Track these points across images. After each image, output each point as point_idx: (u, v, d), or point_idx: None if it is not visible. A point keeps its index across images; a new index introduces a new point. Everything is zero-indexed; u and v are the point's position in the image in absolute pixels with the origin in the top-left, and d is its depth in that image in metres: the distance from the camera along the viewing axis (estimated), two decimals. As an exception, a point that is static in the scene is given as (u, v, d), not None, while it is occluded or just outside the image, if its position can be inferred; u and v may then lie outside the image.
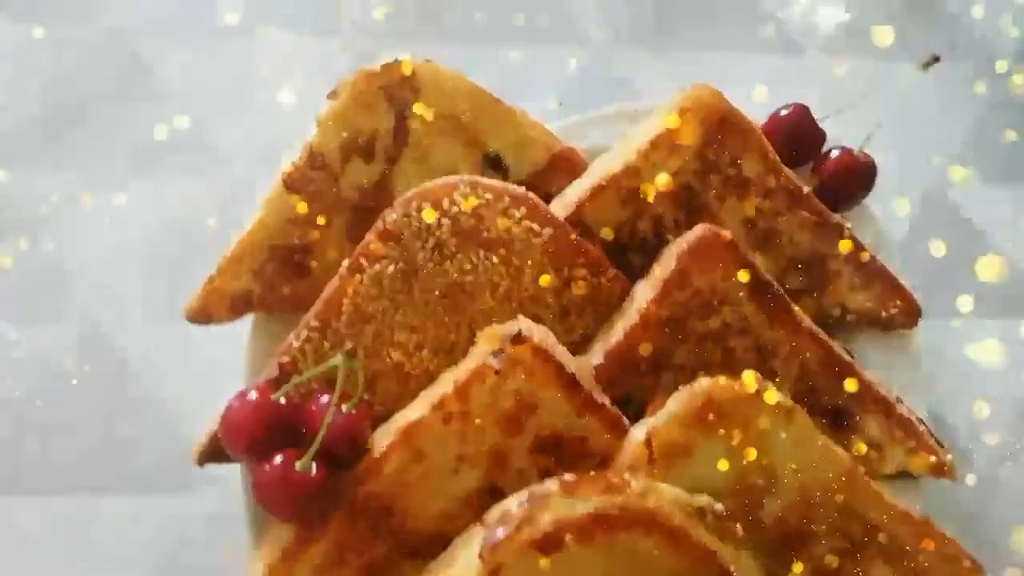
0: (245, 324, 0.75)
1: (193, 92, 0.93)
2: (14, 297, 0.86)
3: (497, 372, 0.66)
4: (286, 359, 0.70)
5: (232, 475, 0.73)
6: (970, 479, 0.85)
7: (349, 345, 0.62)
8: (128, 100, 0.94)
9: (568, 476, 0.64)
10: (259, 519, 0.70)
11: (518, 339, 0.66)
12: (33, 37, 0.95)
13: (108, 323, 0.85)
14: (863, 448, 0.76)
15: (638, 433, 0.69)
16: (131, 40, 0.96)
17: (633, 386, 0.74)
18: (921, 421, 0.77)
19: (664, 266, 0.74)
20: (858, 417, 0.76)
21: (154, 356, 0.82)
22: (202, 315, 0.72)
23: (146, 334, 0.83)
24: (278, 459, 0.63)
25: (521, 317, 0.69)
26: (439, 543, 0.68)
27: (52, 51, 0.94)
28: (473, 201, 0.72)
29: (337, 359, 0.62)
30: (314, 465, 0.64)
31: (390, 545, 0.68)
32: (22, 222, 0.89)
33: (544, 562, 0.62)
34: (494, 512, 0.64)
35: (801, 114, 0.82)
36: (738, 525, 0.68)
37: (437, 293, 0.72)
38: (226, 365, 0.75)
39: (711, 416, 0.68)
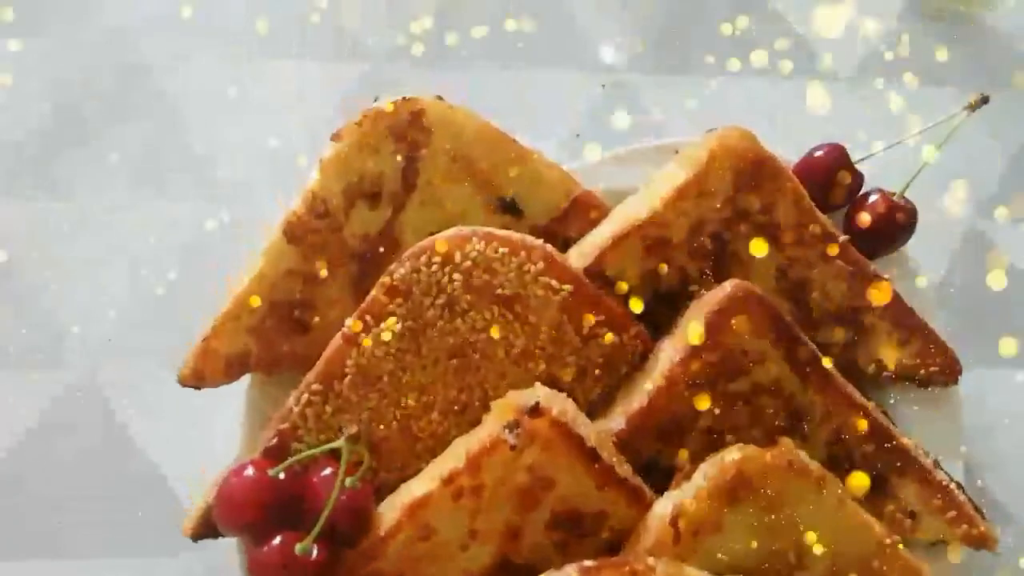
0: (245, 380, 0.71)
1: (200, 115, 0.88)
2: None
3: (513, 447, 0.62)
4: (285, 425, 0.66)
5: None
6: (1008, 538, 0.80)
7: (353, 429, 0.58)
8: (130, 119, 0.89)
9: (588, 563, 0.60)
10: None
11: (535, 412, 0.62)
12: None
13: (102, 374, 0.81)
14: (897, 516, 0.71)
15: (663, 508, 0.64)
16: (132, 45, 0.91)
17: (657, 450, 0.69)
18: (960, 487, 0.73)
19: (691, 324, 0.69)
20: (894, 483, 0.72)
21: (149, 412, 0.77)
22: (196, 379, 0.67)
23: (142, 389, 0.79)
24: (277, 541, 0.59)
25: (539, 385, 0.65)
26: (450, 624, 0.64)
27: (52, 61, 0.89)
28: (488, 255, 0.67)
29: (340, 442, 0.58)
30: (315, 547, 0.60)
31: (398, 626, 0.64)
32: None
33: (564, 658, 0.58)
34: (510, 602, 0.59)
35: (837, 155, 0.77)
36: (768, 605, 0.64)
37: (448, 352, 0.68)
38: (223, 421, 0.70)
39: (741, 490, 0.64)
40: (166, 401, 0.76)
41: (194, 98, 0.89)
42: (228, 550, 0.68)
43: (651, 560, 0.60)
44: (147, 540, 0.76)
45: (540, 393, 0.63)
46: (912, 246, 0.79)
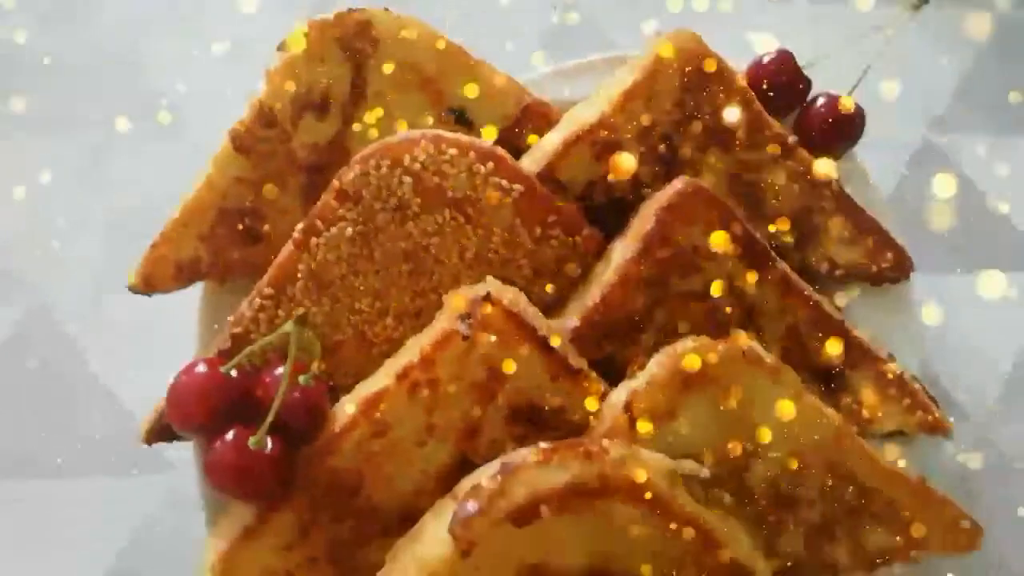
0: (196, 294, 0.71)
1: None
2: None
3: (465, 338, 0.62)
4: (239, 329, 0.65)
5: (186, 454, 0.68)
6: (965, 438, 0.81)
7: (301, 310, 0.58)
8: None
9: (543, 444, 0.60)
10: (216, 499, 0.65)
11: (487, 301, 0.62)
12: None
13: (57, 298, 0.80)
14: (853, 407, 0.72)
15: (617, 398, 0.65)
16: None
17: (611, 350, 0.70)
18: (915, 378, 0.74)
19: (642, 222, 0.70)
20: (849, 376, 0.73)
21: (103, 332, 0.77)
22: (146, 285, 0.67)
23: (95, 308, 0.78)
24: (230, 436, 0.59)
25: (490, 278, 0.65)
26: (409, 520, 0.63)
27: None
28: (437, 157, 0.67)
29: (288, 326, 0.58)
30: (269, 441, 0.60)
31: (357, 523, 0.63)
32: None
33: (519, 536, 0.58)
34: (465, 484, 0.60)
35: (785, 61, 0.78)
36: (726, 493, 0.64)
37: (400, 256, 0.68)
38: (178, 339, 0.70)
39: (695, 378, 0.64)
40: (118, 317, 0.76)
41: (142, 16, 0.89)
42: (185, 469, 0.68)
43: (605, 442, 0.61)
44: (104, 459, 0.76)
45: (491, 285, 0.63)
46: (863, 162, 0.80)
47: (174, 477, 0.73)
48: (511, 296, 0.63)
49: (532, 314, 0.64)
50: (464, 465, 0.64)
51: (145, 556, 0.75)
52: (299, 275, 0.66)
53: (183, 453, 0.69)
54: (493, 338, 0.62)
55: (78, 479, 0.75)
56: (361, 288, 0.68)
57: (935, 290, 0.85)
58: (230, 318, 0.66)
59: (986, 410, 0.83)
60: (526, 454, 0.59)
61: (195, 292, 0.71)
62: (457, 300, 0.63)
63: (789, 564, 0.69)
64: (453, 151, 0.67)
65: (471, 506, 0.57)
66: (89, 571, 0.74)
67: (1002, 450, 0.83)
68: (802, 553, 0.69)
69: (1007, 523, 0.80)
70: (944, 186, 0.84)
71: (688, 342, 0.66)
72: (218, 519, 0.63)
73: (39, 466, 0.76)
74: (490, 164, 0.68)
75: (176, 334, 0.70)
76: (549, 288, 0.71)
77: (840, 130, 0.78)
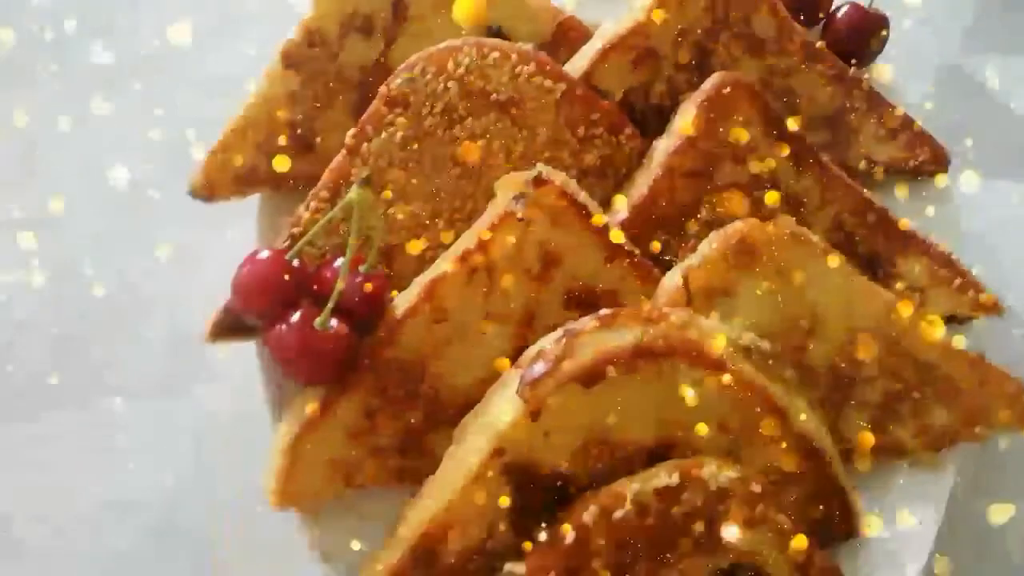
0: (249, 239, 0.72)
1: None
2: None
3: (520, 218, 0.63)
4: (297, 230, 0.67)
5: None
6: (1017, 332, 0.81)
7: (365, 171, 0.59)
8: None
9: (605, 311, 0.60)
10: (281, 398, 0.66)
11: (540, 181, 0.63)
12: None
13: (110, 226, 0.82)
14: (905, 293, 0.72)
15: (673, 277, 0.65)
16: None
17: (661, 242, 0.70)
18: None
19: (684, 116, 0.71)
20: (897, 262, 0.73)
21: (156, 262, 0.78)
22: (207, 191, 0.69)
23: (150, 235, 0.80)
24: (295, 317, 0.60)
25: (540, 165, 0.66)
26: (472, 407, 0.63)
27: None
28: (480, 61, 0.69)
29: (352, 191, 0.59)
30: (334, 322, 0.60)
31: (424, 410, 0.64)
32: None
33: (586, 400, 0.58)
34: (529, 352, 0.60)
35: (807, -28, 0.80)
36: (787, 368, 0.64)
37: (449, 160, 0.69)
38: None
39: (747, 256, 0.65)
40: (174, 242, 0.78)
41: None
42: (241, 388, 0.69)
43: (665, 309, 0.61)
44: (165, 379, 0.77)
45: (542, 168, 0.65)
46: (892, 72, 0.81)
47: (236, 390, 0.73)
48: (562, 178, 0.65)
49: (584, 197, 0.65)
50: (524, 352, 0.65)
51: (213, 457, 0.75)
52: (352, 180, 0.68)
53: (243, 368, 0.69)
54: (547, 219, 0.63)
55: (141, 400, 0.76)
56: (413, 192, 0.69)
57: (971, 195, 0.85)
58: (288, 220, 0.68)
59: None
60: (587, 320, 0.60)
61: (248, 221, 0.73)
62: (510, 183, 0.64)
63: (854, 445, 0.68)
64: (495, 55, 0.70)
65: (538, 367, 0.58)
66: (158, 477, 0.74)
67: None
68: (868, 434, 0.68)
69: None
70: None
71: (738, 223, 0.67)
72: (286, 409, 0.64)
73: (103, 386, 0.77)
74: (532, 65, 0.70)
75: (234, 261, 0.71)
76: (596, 188, 0.72)
77: (864, 37, 0.80)
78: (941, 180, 0.77)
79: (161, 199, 0.82)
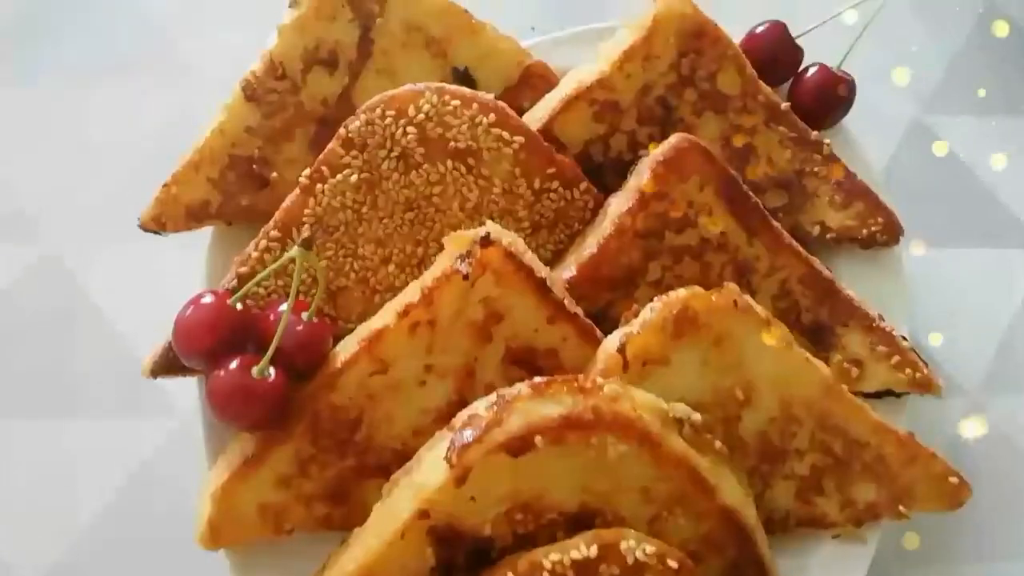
0: (204, 243, 0.72)
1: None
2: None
3: (465, 277, 0.63)
4: (245, 269, 0.67)
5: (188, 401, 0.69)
6: (956, 406, 0.83)
7: (307, 233, 0.59)
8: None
9: (538, 379, 0.61)
10: (217, 439, 0.66)
11: (486, 242, 0.63)
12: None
13: (64, 243, 0.82)
14: (844, 365, 0.74)
15: (612, 342, 0.66)
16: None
17: (607, 301, 0.71)
18: (904, 338, 0.75)
19: (639, 176, 0.72)
20: (839, 333, 0.74)
21: (110, 276, 0.78)
22: (156, 224, 0.69)
23: (102, 254, 0.80)
24: (234, 363, 0.60)
25: (490, 222, 0.66)
26: (407, 460, 0.64)
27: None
28: (440, 108, 0.69)
29: (293, 251, 0.59)
30: (272, 370, 0.61)
31: (356, 460, 0.65)
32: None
33: (513, 467, 0.59)
34: (461, 416, 0.61)
35: (778, 31, 0.80)
36: (717, 440, 0.66)
37: (403, 205, 0.70)
38: (184, 285, 0.71)
39: (688, 326, 0.66)
40: (129, 267, 0.77)
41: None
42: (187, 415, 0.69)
43: (599, 379, 0.62)
44: (108, 400, 0.77)
45: (491, 227, 0.65)
46: (856, 132, 0.82)
47: (176, 420, 0.74)
48: (510, 239, 0.65)
49: (530, 258, 0.66)
50: (462, 406, 0.65)
51: (145, 492, 0.76)
52: (304, 219, 0.68)
53: (184, 401, 0.70)
54: (492, 279, 0.64)
55: (82, 420, 0.77)
56: (365, 235, 0.69)
57: (925, 261, 0.87)
58: (237, 258, 0.68)
59: (978, 380, 0.84)
60: (521, 387, 0.61)
61: (203, 238, 0.73)
62: (457, 240, 0.64)
63: (779, 516, 0.70)
64: (456, 102, 0.69)
65: (467, 434, 0.58)
66: (90, 506, 0.75)
67: (994, 421, 0.84)
68: (792, 505, 0.70)
69: (994, 491, 0.81)
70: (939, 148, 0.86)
71: (681, 292, 0.67)
72: (219, 454, 0.65)
73: (44, 406, 0.77)
74: (492, 115, 0.70)
75: (185, 280, 0.71)
76: (548, 241, 0.73)
77: (831, 99, 0.80)
78: (893, 250, 0.78)
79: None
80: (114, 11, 0.90)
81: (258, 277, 0.61)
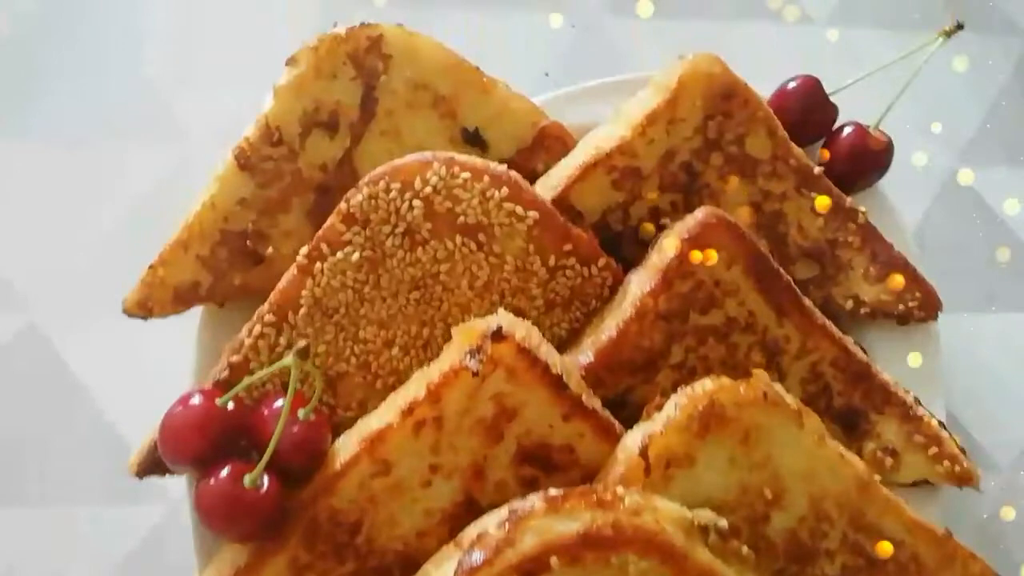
0: (196, 315, 0.67)
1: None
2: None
3: (475, 374, 0.59)
4: (237, 358, 0.62)
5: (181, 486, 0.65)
6: (991, 485, 0.78)
7: (302, 343, 0.54)
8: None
9: (553, 491, 0.57)
10: (208, 537, 0.62)
11: (498, 336, 0.59)
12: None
13: (48, 316, 0.77)
14: (878, 454, 0.69)
15: (633, 441, 0.61)
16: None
17: (627, 386, 0.67)
18: (942, 425, 0.71)
19: (662, 253, 0.67)
20: (873, 420, 0.70)
21: (98, 353, 0.73)
22: (142, 308, 0.64)
23: (91, 326, 0.75)
24: (224, 472, 0.56)
25: (502, 311, 0.62)
26: (411, 564, 0.60)
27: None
28: (449, 181, 0.64)
29: (288, 359, 0.55)
30: (266, 479, 0.56)
31: (356, 564, 0.60)
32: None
33: (527, 589, 0.54)
34: (471, 532, 0.56)
35: (811, 88, 0.75)
36: (744, 546, 0.61)
37: (408, 284, 0.65)
38: (176, 362, 0.67)
39: (714, 422, 0.61)
40: (115, 342, 0.72)
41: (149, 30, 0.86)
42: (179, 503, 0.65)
43: (619, 489, 0.57)
44: (94, 487, 0.72)
45: (503, 319, 0.60)
46: (890, 191, 0.77)
47: (167, 509, 0.69)
48: (523, 331, 0.60)
49: (545, 351, 0.61)
50: (470, 506, 0.61)
51: None
52: (302, 301, 0.63)
53: (177, 484, 0.66)
54: (503, 375, 0.59)
55: (66, 507, 0.72)
56: (367, 316, 0.65)
57: (962, 329, 0.82)
58: (228, 345, 0.63)
59: (1013, 456, 0.80)
60: (535, 501, 0.56)
61: (195, 312, 0.68)
62: (467, 333, 0.59)
63: (808, 618, 0.66)
64: (466, 175, 0.64)
65: (477, 556, 0.54)
66: None
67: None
68: (822, 608, 0.66)
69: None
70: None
71: (707, 383, 0.63)
72: (210, 560, 0.60)
73: (27, 493, 0.73)
74: (504, 189, 0.65)
75: (174, 356, 0.67)
76: (563, 320, 0.68)
77: (867, 161, 0.75)
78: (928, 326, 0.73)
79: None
80: (107, 70, 0.84)
81: (247, 381, 0.56)
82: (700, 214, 0.67)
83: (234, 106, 0.70)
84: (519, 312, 0.66)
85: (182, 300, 0.64)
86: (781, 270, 0.68)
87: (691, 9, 0.90)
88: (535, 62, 0.86)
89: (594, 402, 0.63)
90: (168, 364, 0.67)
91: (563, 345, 0.68)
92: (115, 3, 0.86)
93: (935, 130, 0.84)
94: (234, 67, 0.82)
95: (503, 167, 0.66)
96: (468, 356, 0.59)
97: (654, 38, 0.88)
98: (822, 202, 0.71)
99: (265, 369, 0.57)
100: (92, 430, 0.74)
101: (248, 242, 0.65)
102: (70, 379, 0.75)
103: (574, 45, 0.87)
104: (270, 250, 0.66)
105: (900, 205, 0.77)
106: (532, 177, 0.71)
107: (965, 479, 0.69)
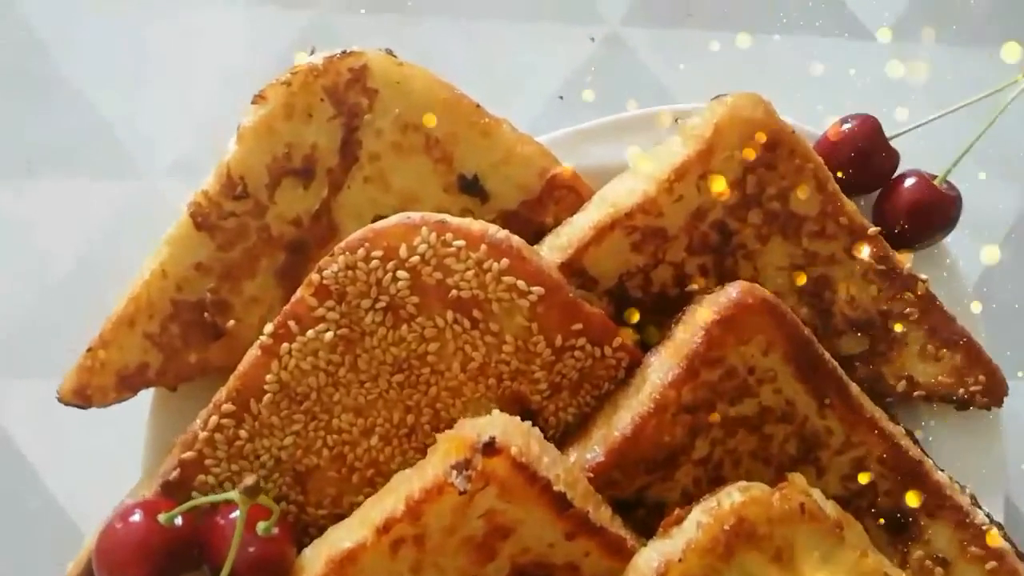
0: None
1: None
2: None
3: (462, 492, 0.50)
4: (190, 454, 0.54)
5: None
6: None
7: (250, 479, 0.46)
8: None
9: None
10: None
11: (491, 449, 0.50)
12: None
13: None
14: (927, 564, 0.60)
15: (647, 563, 0.53)
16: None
17: (642, 484, 0.58)
18: (1001, 528, 0.62)
19: (687, 334, 0.57)
20: (924, 524, 0.61)
21: (47, 435, 0.64)
22: (79, 397, 0.55)
23: (43, 412, 0.66)
24: (168, 606, 0.48)
25: (496, 413, 0.53)
26: None
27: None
28: (440, 249, 0.55)
29: (233, 494, 0.46)
30: (218, 609, 0.49)
31: None
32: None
33: None
34: None
35: (869, 130, 0.64)
36: None
37: (390, 366, 0.56)
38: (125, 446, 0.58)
39: (742, 542, 0.53)
40: (65, 422, 0.63)
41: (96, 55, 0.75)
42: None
43: (630, 634, 0.49)
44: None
45: (498, 424, 0.51)
46: (954, 255, 0.66)
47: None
48: (521, 439, 0.51)
49: (547, 463, 0.52)
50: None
51: None
52: (266, 387, 0.55)
53: None
54: (495, 491, 0.50)
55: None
56: (341, 403, 0.56)
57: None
58: (181, 438, 0.55)
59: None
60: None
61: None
62: (453, 443, 0.51)
63: None
64: (459, 243, 0.55)
65: None
66: None
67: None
68: None
69: None
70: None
71: (734, 494, 0.54)
72: None
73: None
74: (504, 261, 0.55)
75: (126, 438, 0.58)
76: (570, 404, 0.59)
77: (931, 217, 0.65)
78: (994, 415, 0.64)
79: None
80: (57, 101, 0.74)
81: (191, 504, 0.48)
82: (734, 291, 0.57)
83: (190, 146, 0.60)
84: (519, 397, 0.57)
85: (127, 385, 0.55)
86: (827, 354, 0.59)
87: (728, 18, 0.78)
88: (547, 82, 0.75)
89: (603, 513, 0.54)
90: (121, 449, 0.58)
91: (569, 432, 0.59)
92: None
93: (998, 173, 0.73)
94: (191, 99, 0.71)
95: (504, 232, 0.56)
96: (454, 472, 0.50)
97: (687, 55, 0.76)
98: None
99: (209, 497, 0.49)
100: (46, 518, 0.65)
101: (206, 314, 0.56)
102: (26, 470, 0.66)
103: (593, 62, 0.76)
104: (232, 322, 0.57)
105: (964, 265, 0.66)
106: (540, 232, 0.62)
107: (1028, 600, 0.60)
